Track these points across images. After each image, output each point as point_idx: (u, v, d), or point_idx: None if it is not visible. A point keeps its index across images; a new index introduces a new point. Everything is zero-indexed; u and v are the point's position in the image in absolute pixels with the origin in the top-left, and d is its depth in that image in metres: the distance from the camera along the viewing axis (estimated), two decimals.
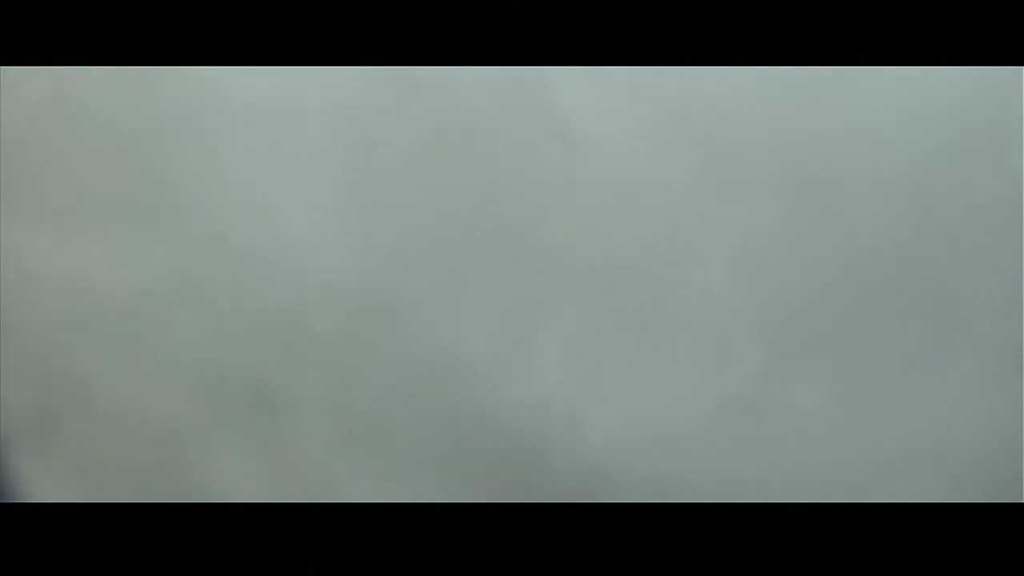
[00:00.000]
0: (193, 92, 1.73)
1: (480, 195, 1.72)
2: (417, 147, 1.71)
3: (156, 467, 1.86)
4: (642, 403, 1.75)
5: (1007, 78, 1.55)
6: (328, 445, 1.82)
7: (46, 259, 1.81)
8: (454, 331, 1.76)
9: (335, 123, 1.71)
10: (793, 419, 1.71)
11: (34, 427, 1.87)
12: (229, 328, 1.80)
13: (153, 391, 1.83)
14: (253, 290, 1.79)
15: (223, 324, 1.80)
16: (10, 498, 1.81)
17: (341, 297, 1.77)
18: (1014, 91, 1.55)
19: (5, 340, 1.84)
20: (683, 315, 1.71)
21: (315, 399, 1.81)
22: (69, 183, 1.79)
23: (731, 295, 1.69)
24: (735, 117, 1.63)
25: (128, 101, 1.74)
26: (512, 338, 1.75)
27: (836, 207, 1.65)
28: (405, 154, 1.71)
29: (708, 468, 1.75)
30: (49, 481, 1.88)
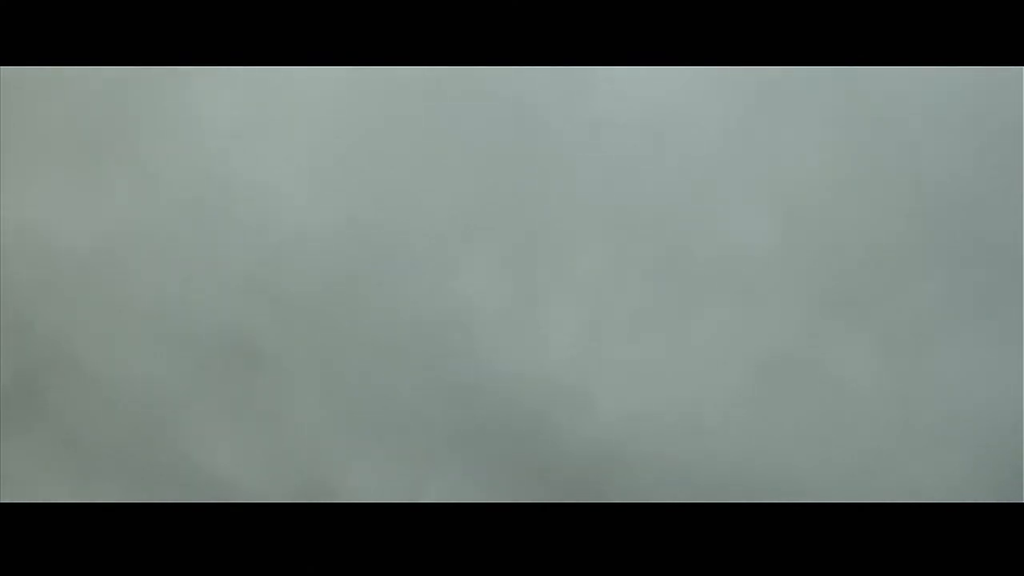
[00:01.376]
0: None
1: (488, 131, 1.58)
2: (414, 82, 1.57)
3: (140, 437, 1.75)
4: (668, 368, 1.59)
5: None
6: (317, 410, 1.70)
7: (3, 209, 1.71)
8: (456, 288, 1.62)
9: (322, 70, 1.61)
10: (837, 385, 1.57)
11: (11, 394, 1.78)
12: (206, 283, 1.68)
13: (133, 351, 1.72)
14: (229, 241, 1.66)
15: (201, 279, 1.68)
16: None
17: (327, 249, 1.65)
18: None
19: None
20: (716, 267, 1.56)
21: (300, 361, 1.69)
22: (30, 130, 1.69)
23: (770, 244, 1.55)
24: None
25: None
26: (522, 294, 1.61)
27: (888, 148, 1.52)
28: (400, 89, 1.58)
29: (736, 443, 1.61)
30: (32, 451, 1.78)
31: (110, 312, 1.73)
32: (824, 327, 1.58)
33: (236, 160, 1.67)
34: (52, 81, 1.68)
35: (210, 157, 1.67)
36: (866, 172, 1.55)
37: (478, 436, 1.68)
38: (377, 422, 1.71)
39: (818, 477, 1.63)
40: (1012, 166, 1.54)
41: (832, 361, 1.59)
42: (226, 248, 1.69)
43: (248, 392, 1.72)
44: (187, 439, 1.75)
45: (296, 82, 1.65)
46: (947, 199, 1.55)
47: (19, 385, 1.78)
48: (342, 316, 1.68)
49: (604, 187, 1.59)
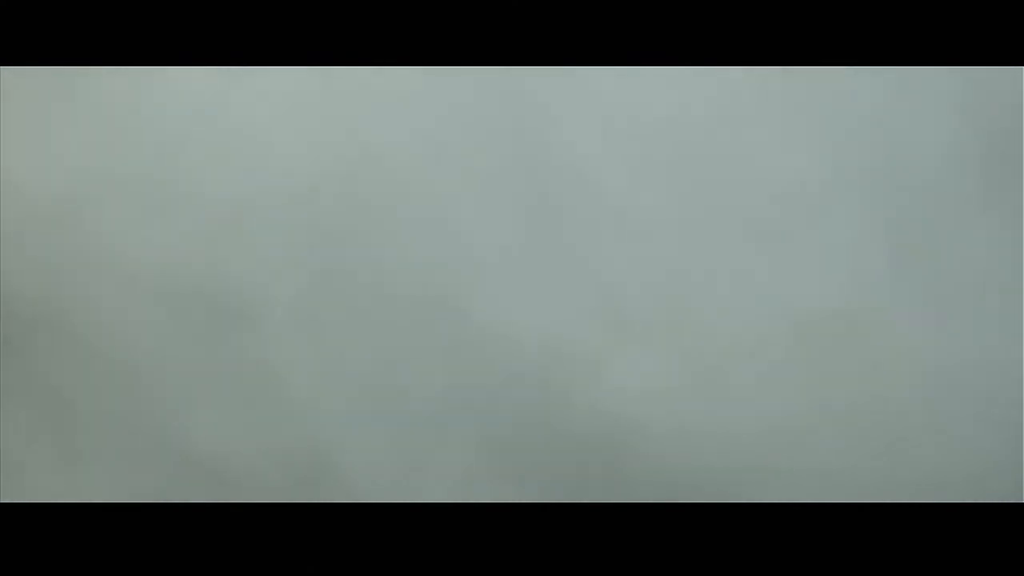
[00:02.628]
0: None
1: (495, 80, 1.42)
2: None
3: (121, 398, 1.62)
4: (692, 325, 1.38)
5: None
6: (303, 365, 1.55)
7: None
8: (458, 238, 1.46)
9: None
10: (879, 349, 1.36)
11: None
12: (183, 233, 1.54)
13: (110, 305, 1.58)
14: (208, 187, 1.52)
15: (177, 229, 1.54)
16: None
17: (315, 194, 1.50)
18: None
19: None
20: (746, 195, 1.35)
21: (285, 316, 1.54)
22: None
23: (813, 166, 1.34)
24: None
25: None
26: (532, 243, 1.43)
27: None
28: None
29: (761, 416, 1.42)
30: (5, 410, 1.65)
31: (83, 263, 1.61)
32: (869, 279, 1.39)
33: (215, 101, 1.55)
34: None
35: (188, 100, 1.55)
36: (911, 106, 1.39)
37: (481, 401, 1.55)
38: (372, 384, 1.58)
39: (845, 460, 1.48)
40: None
41: (876, 318, 1.40)
42: (204, 195, 1.55)
43: (230, 348, 1.59)
44: (168, 398, 1.64)
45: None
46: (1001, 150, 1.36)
47: None
48: (331, 267, 1.55)
49: (625, 128, 1.43)
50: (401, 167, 1.50)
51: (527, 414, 1.54)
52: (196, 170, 1.56)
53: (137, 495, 1.68)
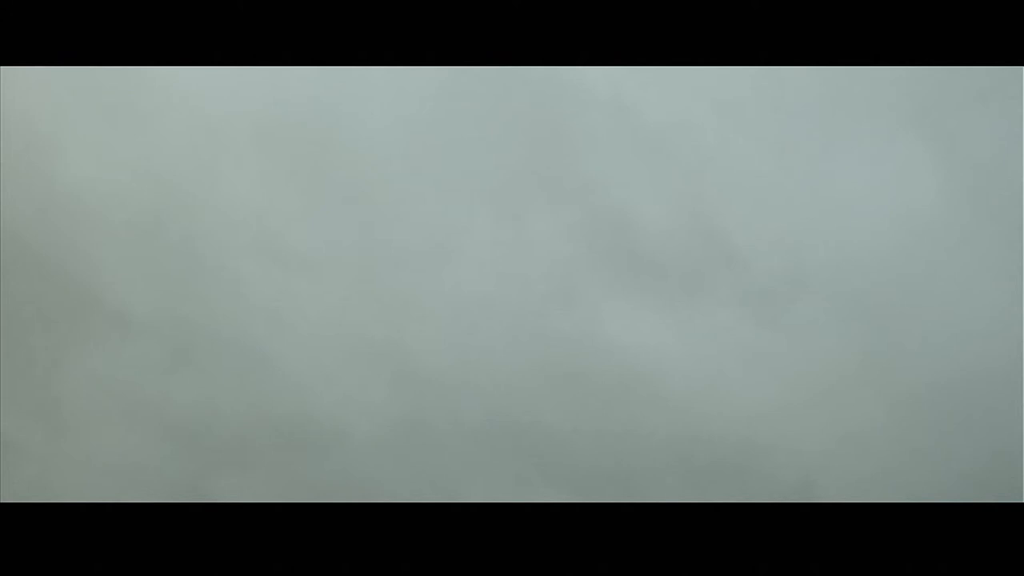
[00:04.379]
0: None
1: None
2: None
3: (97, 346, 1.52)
4: (710, 254, 1.19)
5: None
6: (292, 317, 1.40)
7: None
8: (450, 153, 1.31)
9: None
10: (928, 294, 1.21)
11: None
12: (156, 166, 1.38)
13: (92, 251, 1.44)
14: (181, 119, 1.37)
15: (148, 163, 1.38)
16: None
17: (292, 122, 1.35)
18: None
19: None
20: (779, 107, 1.18)
21: (270, 261, 1.40)
22: None
23: (856, 78, 1.20)
24: None
25: None
26: (526, 156, 1.26)
27: None
28: None
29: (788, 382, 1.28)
30: None
31: (57, 207, 1.46)
32: (918, 207, 1.20)
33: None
34: None
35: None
36: None
37: (482, 353, 1.40)
38: (367, 339, 1.44)
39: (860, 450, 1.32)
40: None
41: (921, 268, 1.24)
42: (182, 138, 1.41)
43: (217, 303, 1.44)
44: (152, 355, 1.51)
45: None
46: None
47: None
48: (323, 211, 1.40)
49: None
50: (391, 105, 1.36)
51: (531, 371, 1.40)
52: (172, 108, 1.43)
53: (121, 460, 1.62)
